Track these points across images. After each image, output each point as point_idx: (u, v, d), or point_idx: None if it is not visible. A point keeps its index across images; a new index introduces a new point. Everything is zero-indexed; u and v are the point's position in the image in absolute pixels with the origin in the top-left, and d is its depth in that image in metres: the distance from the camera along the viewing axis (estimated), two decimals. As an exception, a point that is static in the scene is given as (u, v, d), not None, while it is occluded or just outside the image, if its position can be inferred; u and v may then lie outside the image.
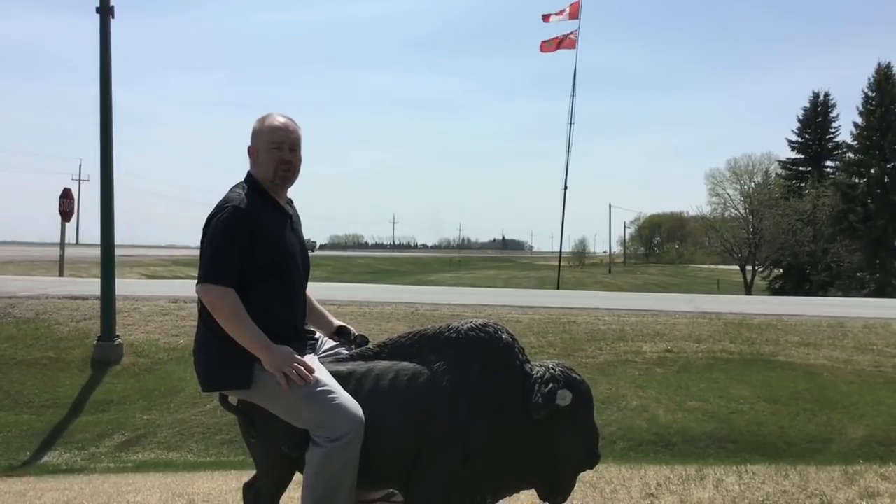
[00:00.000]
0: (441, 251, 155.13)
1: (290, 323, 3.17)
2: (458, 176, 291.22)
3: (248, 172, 3.26)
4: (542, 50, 27.77)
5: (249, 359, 3.02)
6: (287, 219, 3.27)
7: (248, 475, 3.49)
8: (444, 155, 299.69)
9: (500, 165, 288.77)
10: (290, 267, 3.20)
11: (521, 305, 11.99)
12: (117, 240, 9.83)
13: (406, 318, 10.42)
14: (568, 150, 29.63)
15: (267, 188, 3.21)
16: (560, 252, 34.33)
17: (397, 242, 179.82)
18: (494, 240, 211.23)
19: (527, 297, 15.37)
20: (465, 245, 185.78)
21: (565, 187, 28.76)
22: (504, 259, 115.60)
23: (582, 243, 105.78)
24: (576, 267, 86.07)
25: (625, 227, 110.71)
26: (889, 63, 50.19)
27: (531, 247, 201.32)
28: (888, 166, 49.37)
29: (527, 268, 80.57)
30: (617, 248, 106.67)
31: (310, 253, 3.53)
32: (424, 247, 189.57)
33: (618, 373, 8.41)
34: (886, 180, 49.05)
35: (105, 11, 9.44)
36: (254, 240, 3.04)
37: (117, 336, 9.23)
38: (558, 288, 29.11)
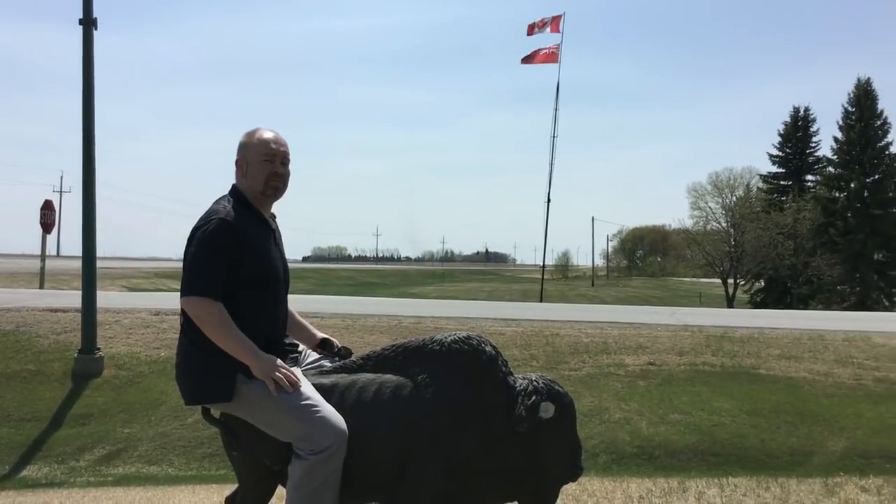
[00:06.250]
0: (425, 264, 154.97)
1: (271, 337, 3.17)
2: (442, 189, 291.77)
3: (233, 185, 3.26)
4: (522, 61, 27.95)
5: (232, 371, 3.01)
6: (271, 233, 3.27)
7: (229, 489, 3.47)
8: (428, 168, 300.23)
9: (483, 178, 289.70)
10: (274, 281, 3.20)
11: (505, 318, 12.00)
12: (99, 252, 9.76)
13: (390, 330, 10.41)
14: (551, 164, 29.68)
15: (253, 201, 3.21)
16: (543, 265, 34.32)
17: (381, 255, 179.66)
18: (478, 252, 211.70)
19: (510, 309, 15.37)
20: (448, 258, 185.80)
21: (548, 200, 28.84)
22: (487, 272, 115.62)
23: (565, 256, 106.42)
24: (559, 280, 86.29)
25: (608, 240, 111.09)
26: (868, 78, 50.86)
27: (514, 259, 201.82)
28: (868, 181, 49.93)
29: (510, 280, 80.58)
30: (600, 261, 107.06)
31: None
32: (408, 259, 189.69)
33: (600, 385, 8.43)
34: (866, 194, 49.59)
35: (88, 23, 9.39)
36: (239, 252, 3.04)
37: (98, 349, 9.15)
38: (541, 301, 29.12)
